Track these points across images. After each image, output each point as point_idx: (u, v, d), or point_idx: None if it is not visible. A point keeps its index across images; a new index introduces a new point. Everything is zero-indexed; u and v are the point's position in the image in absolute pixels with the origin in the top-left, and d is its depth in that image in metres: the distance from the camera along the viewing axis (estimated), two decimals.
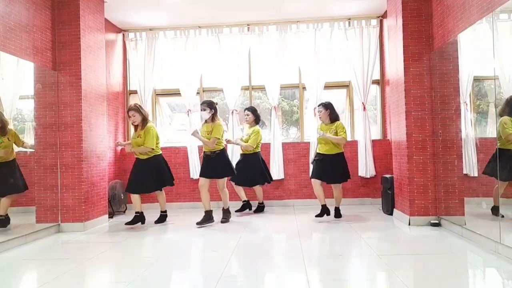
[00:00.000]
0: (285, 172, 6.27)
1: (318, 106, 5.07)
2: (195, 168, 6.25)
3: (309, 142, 6.26)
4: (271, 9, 5.88)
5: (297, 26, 6.31)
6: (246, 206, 5.66)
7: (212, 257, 3.51)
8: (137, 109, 4.74)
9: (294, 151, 6.30)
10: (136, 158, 4.86)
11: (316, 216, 4.93)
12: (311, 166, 6.18)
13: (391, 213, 5.21)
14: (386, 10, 5.41)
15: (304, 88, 6.49)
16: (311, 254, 3.50)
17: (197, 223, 4.79)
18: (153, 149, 4.75)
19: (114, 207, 5.80)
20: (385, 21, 6.11)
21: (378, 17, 6.25)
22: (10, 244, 3.99)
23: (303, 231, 4.43)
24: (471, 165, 3.92)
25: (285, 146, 6.31)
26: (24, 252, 3.86)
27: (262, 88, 6.52)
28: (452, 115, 4.24)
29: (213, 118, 4.88)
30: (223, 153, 4.93)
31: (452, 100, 4.25)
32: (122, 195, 5.95)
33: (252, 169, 5.47)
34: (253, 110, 5.62)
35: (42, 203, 4.65)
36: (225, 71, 6.37)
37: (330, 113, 4.93)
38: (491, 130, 3.63)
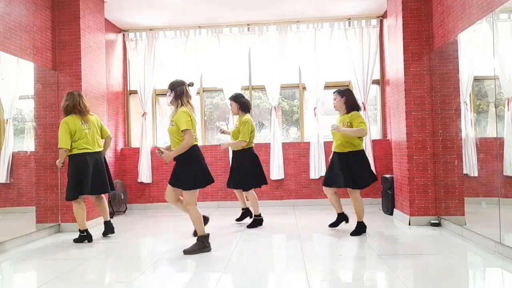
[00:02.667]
0: (285, 172, 6.27)
1: (334, 93, 4.25)
2: None
3: (309, 142, 6.25)
4: (271, 9, 5.88)
5: (297, 26, 6.31)
6: (246, 214, 4.96)
7: (212, 257, 3.51)
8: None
9: (294, 151, 6.30)
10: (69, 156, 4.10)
11: (330, 225, 4.46)
12: (311, 166, 6.20)
13: (391, 213, 5.21)
14: (386, 10, 5.41)
15: (304, 88, 6.49)
16: (311, 254, 3.50)
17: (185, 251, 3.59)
18: (69, 148, 4.01)
19: (114, 207, 5.80)
20: (385, 21, 6.10)
21: (378, 17, 6.25)
22: (10, 244, 3.99)
23: (303, 231, 4.43)
24: (471, 165, 3.92)
25: (285, 146, 6.31)
26: (24, 252, 3.86)
27: (262, 88, 6.52)
28: (452, 115, 4.24)
29: (176, 103, 3.66)
30: (191, 151, 3.45)
31: (452, 100, 4.25)
32: (122, 195, 5.96)
33: (243, 169, 4.62)
34: (234, 97, 4.71)
35: (42, 203, 4.65)
36: (225, 71, 6.37)
37: (346, 101, 4.09)
38: (491, 130, 3.63)
